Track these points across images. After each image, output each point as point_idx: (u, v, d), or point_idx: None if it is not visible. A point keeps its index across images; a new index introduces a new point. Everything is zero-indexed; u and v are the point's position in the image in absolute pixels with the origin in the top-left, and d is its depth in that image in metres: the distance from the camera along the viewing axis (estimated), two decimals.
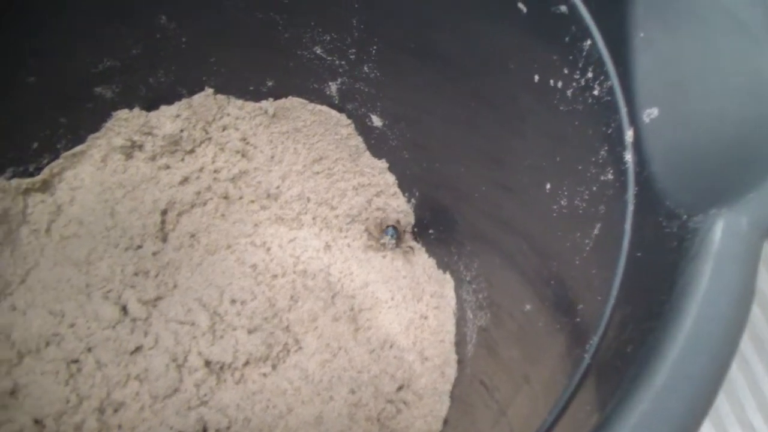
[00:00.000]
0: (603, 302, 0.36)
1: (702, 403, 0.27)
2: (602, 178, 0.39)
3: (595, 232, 0.40)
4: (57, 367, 0.57)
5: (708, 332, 0.28)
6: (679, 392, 0.27)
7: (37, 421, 0.55)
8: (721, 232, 0.30)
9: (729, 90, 0.33)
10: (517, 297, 0.53)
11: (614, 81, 0.38)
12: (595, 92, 0.39)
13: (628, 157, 0.36)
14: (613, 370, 0.32)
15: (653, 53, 0.36)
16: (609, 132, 0.38)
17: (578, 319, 0.40)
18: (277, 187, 0.70)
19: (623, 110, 0.37)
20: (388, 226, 0.69)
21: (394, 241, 0.69)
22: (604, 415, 0.29)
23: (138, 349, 0.59)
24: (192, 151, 0.68)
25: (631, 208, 0.36)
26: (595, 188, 0.40)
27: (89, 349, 0.58)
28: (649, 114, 0.35)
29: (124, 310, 0.61)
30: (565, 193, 0.44)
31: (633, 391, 0.28)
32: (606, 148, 0.38)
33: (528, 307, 0.50)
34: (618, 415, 0.28)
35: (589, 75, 0.39)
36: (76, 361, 0.58)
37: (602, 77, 0.38)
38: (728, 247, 0.30)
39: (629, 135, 0.36)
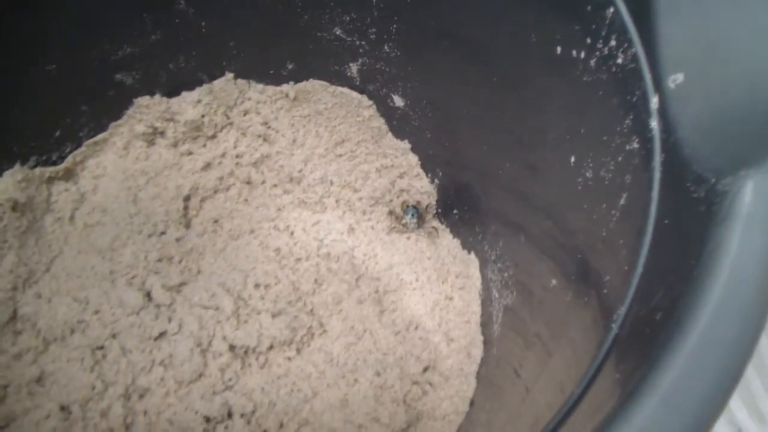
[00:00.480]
0: (630, 272, 0.35)
1: (733, 369, 0.27)
2: (628, 147, 0.38)
3: (622, 202, 0.39)
4: (82, 353, 0.57)
5: (738, 296, 0.27)
6: (709, 358, 0.27)
7: (63, 408, 0.55)
8: (750, 193, 0.29)
9: (759, 52, 0.32)
10: (542, 274, 0.52)
11: (638, 48, 0.37)
12: (619, 60, 0.38)
13: (654, 124, 0.35)
14: (642, 338, 0.31)
15: (678, 17, 0.35)
16: (634, 100, 0.37)
17: (605, 291, 0.39)
18: (300, 171, 0.69)
19: (648, 77, 0.36)
20: (408, 206, 0.69)
21: (415, 221, 0.68)
22: (634, 383, 0.28)
23: (162, 334, 0.59)
24: (214, 136, 0.68)
25: (657, 175, 0.35)
26: (620, 158, 0.39)
27: (114, 336, 0.59)
28: (675, 80, 0.34)
29: (149, 296, 0.61)
30: (590, 165, 0.43)
31: (662, 359, 0.27)
32: (631, 116, 0.38)
33: (554, 282, 0.49)
34: (647, 384, 0.27)
35: (613, 43, 0.38)
36: (101, 348, 0.58)
37: (626, 44, 0.37)
38: (758, 208, 0.29)
39: (654, 102, 0.35)
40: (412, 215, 0.68)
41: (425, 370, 0.62)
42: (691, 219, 0.32)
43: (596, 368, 0.34)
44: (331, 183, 0.70)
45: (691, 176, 0.32)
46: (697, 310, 0.28)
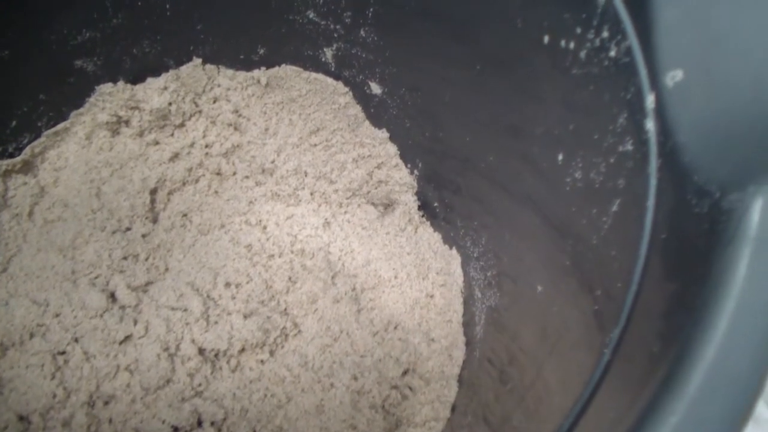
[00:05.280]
0: (624, 289, 0.33)
1: (740, 414, 0.24)
2: (621, 148, 0.35)
3: (614, 208, 0.36)
4: (42, 359, 0.54)
5: (747, 329, 0.25)
6: (715, 401, 0.24)
7: (22, 418, 0.53)
8: (760, 212, 0.26)
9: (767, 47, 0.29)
10: (528, 276, 0.49)
11: (633, 40, 0.34)
12: (612, 53, 0.35)
13: (650, 125, 0.33)
14: (639, 371, 0.29)
15: (678, 7, 0.32)
16: (628, 97, 0.34)
17: (596, 307, 0.36)
18: (273, 162, 0.66)
19: (643, 73, 0.33)
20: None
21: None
22: (630, 425, 0.25)
23: (128, 338, 0.56)
24: (182, 125, 0.65)
25: (654, 182, 0.32)
26: (612, 160, 0.36)
27: (76, 340, 0.55)
28: (673, 77, 0.31)
29: (113, 297, 0.58)
30: (580, 164, 0.40)
31: (663, 399, 0.25)
32: (625, 115, 0.35)
33: (540, 288, 0.46)
34: (646, 428, 0.24)
35: (605, 34, 0.35)
36: (62, 353, 0.55)
37: (619, 36, 0.34)
38: None
39: (650, 100, 0.32)
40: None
41: (405, 373, 0.60)
42: (692, 237, 0.29)
43: (589, 396, 0.31)
44: (306, 174, 0.67)
45: (692, 187, 0.30)
46: (701, 344, 0.25)
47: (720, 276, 0.26)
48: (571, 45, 0.38)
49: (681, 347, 0.26)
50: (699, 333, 0.25)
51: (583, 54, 0.37)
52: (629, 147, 0.35)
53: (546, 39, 0.40)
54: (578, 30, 0.37)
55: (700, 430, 0.24)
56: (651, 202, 0.32)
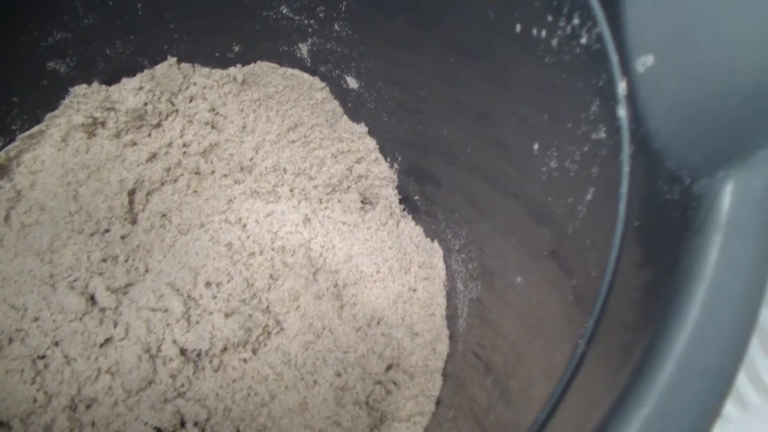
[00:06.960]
0: (599, 279, 0.32)
1: (712, 404, 0.24)
2: (594, 136, 0.35)
3: (588, 197, 0.36)
4: (22, 364, 0.53)
5: (718, 319, 0.24)
6: (685, 393, 0.24)
7: (2, 424, 0.52)
8: (730, 197, 0.26)
9: (740, 33, 0.28)
10: (508, 268, 0.49)
11: (603, 27, 0.33)
12: (583, 40, 0.35)
13: (622, 112, 0.32)
14: (612, 361, 0.28)
15: None
16: (599, 84, 0.34)
17: (571, 297, 0.36)
18: (251, 159, 0.66)
19: (614, 59, 0.32)
20: None
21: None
22: (601, 418, 0.25)
23: (108, 340, 0.56)
24: (158, 125, 0.65)
25: (626, 169, 0.32)
26: (586, 148, 0.36)
27: (56, 344, 0.55)
28: (644, 62, 0.31)
29: (92, 299, 0.57)
30: (555, 153, 0.40)
31: (634, 390, 0.24)
32: (597, 102, 0.34)
33: (519, 279, 0.46)
34: (616, 422, 0.24)
35: (576, 21, 0.35)
36: (42, 357, 0.54)
37: (590, 23, 0.34)
38: (740, 215, 0.26)
39: (622, 87, 0.32)
40: None
41: (388, 368, 0.59)
42: (664, 224, 0.28)
43: (561, 391, 0.31)
44: (285, 171, 0.66)
45: (663, 174, 0.29)
46: (672, 334, 0.24)
47: (690, 264, 0.25)
48: (543, 33, 0.38)
49: (652, 337, 0.25)
50: (670, 323, 0.25)
51: (554, 42, 0.37)
52: (602, 135, 0.34)
53: (518, 28, 0.40)
54: (549, 18, 0.37)
55: (671, 421, 0.23)
56: (624, 190, 0.32)
